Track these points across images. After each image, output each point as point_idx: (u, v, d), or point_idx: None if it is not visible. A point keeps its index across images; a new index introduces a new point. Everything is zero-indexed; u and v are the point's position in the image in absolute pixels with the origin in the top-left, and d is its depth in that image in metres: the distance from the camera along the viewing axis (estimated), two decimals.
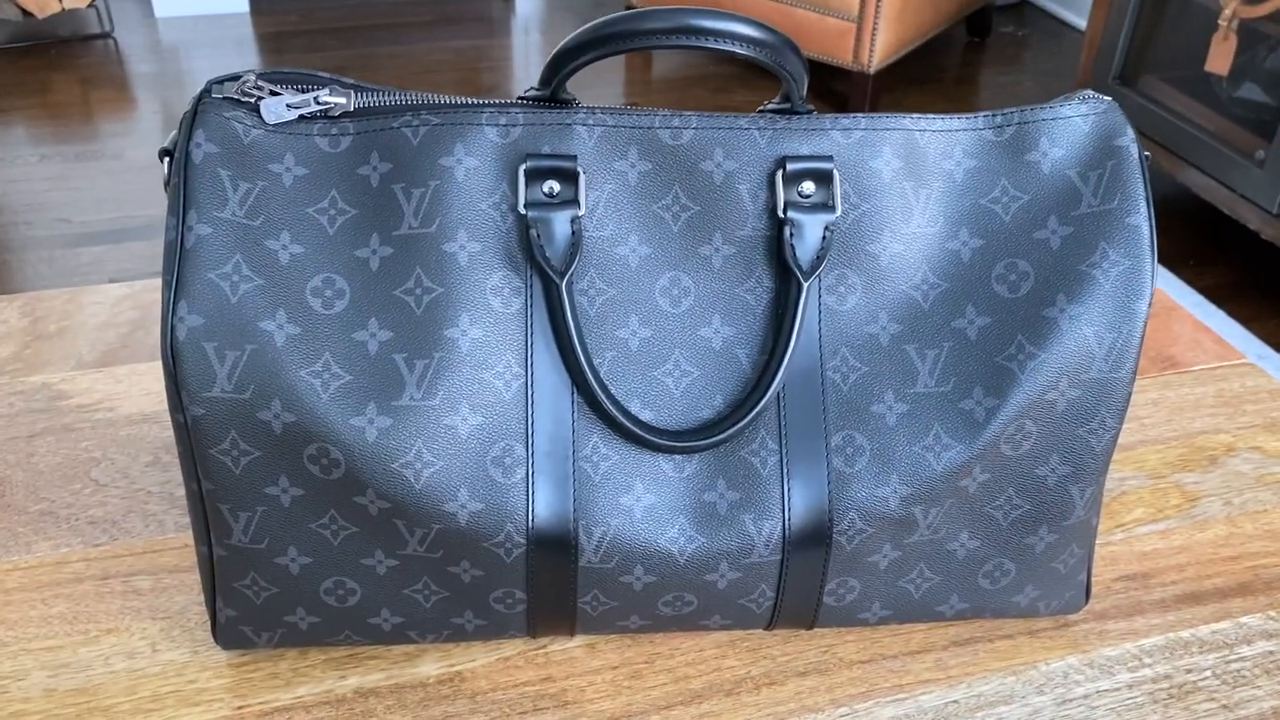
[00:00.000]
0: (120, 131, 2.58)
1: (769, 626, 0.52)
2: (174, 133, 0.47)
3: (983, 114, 0.50)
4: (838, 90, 2.83)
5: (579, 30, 0.44)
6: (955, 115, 0.49)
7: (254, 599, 0.49)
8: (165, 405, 0.69)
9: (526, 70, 2.95)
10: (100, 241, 2.18)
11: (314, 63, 2.93)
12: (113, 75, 2.85)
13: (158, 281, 0.80)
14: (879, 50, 2.54)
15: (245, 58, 2.98)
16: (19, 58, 2.90)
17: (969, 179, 0.49)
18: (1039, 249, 0.48)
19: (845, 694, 0.52)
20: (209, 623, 0.53)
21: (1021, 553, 0.51)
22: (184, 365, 0.44)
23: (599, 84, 2.85)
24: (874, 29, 2.51)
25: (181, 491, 0.63)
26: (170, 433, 0.67)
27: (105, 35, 3.07)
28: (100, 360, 0.72)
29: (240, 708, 0.50)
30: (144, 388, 0.70)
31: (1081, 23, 3.27)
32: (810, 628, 0.52)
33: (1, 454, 0.65)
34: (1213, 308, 2.07)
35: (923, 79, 2.94)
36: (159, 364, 0.72)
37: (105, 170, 2.42)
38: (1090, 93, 0.50)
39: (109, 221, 2.24)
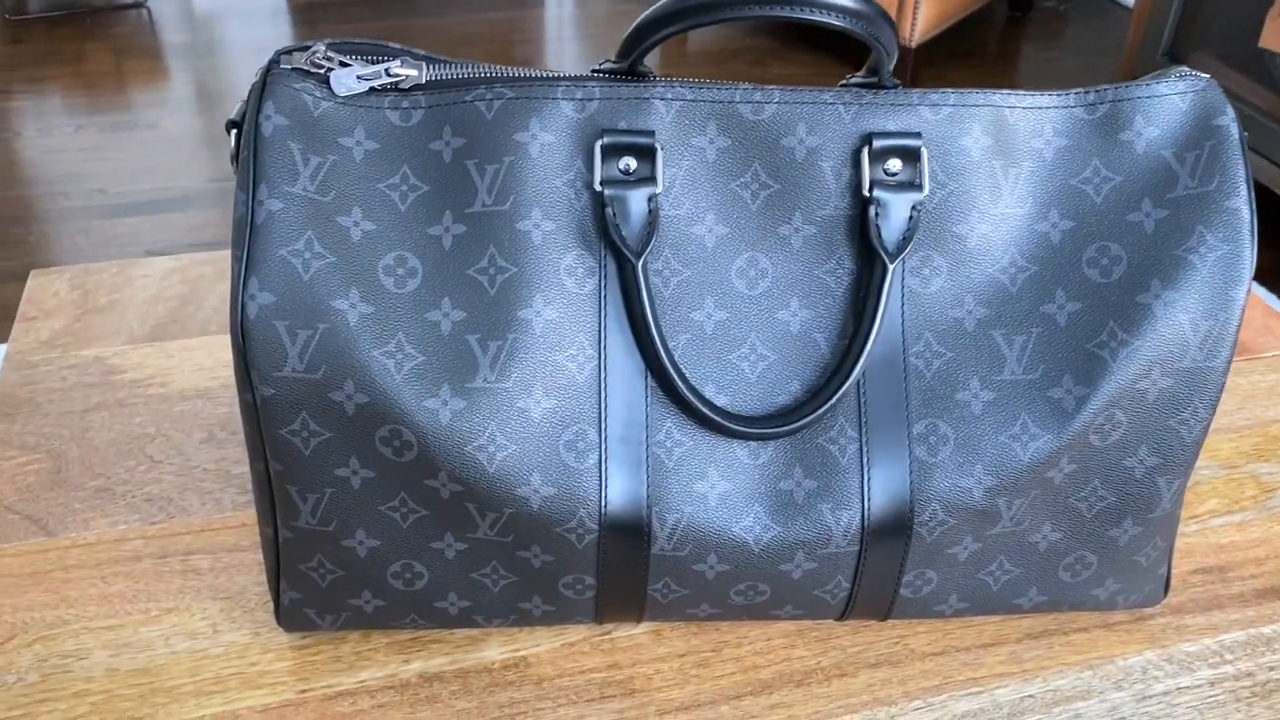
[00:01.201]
0: (154, 101, 2.58)
1: (842, 617, 0.51)
2: (241, 104, 0.46)
3: (1074, 91, 0.48)
4: None
5: (660, 3, 0.42)
6: (1046, 92, 0.48)
7: (319, 581, 0.48)
8: (218, 381, 0.68)
9: (560, 43, 2.93)
10: (136, 213, 2.18)
11: (346, 33, 2.91)
12: (146, 45, 2.85)
13: (204, 255, 0.80)
14: (920, 24, 2.49)
15: (278, 28, 2.97)
16: (54, 26, 2.90)
17: (1059, 158, 0.47)
18: (1132, 232, 0.46)
19: (918, 686, 0.51)
20: (271, 604, 0.52)
21: (1104, 545, 0.50)
22: (254, 344, 0.43)
23: None
24: (916, 3, 2.46)
25: (237, 469, 0.62)
26: (224, 409, 0.66)
27: (138, 4, 3.07)
28: (150, 334, 0.72)
29: (304, 691, 0.50)
30: (195, 363, 0.69)
31: None
32: (884, 619, 0.51)
33: (56, 429, 0.64)
34: (1263, 290, 2.03)
35: (964, 53, 2.89)
36: (210, 339, 0.71)
37: (140, 141, 2.42)
38: (1186, 69, 0.48)
39: (145, 192, 2.25)
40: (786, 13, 0.40)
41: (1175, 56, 2.23)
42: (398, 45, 0.46)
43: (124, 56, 2.77)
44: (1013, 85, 2.68)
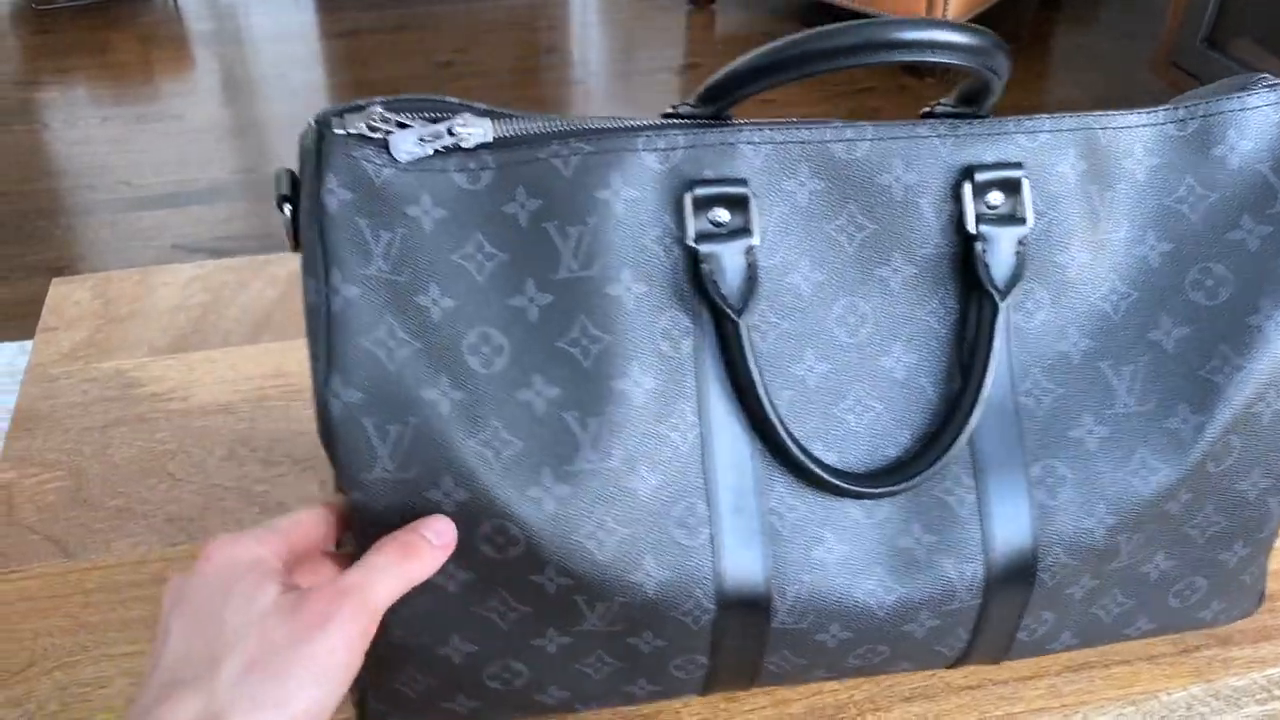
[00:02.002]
0: (180, 91, 2.51)
1: (954, 666, 0.48)
2: (285, 174, 0.41)
3: (1163, 108, 0.46)
4: None
5: (755, 52, 0.39)
6: (1134, 110, 0.46)
7: (409, 694, 0.44)
8: (239, 395, 0.66)
9: (585, 29, 2.85)
10: (162, 205, 2.12)
11: (370, 20, 2.82)
12: (172, 33, 2.76)
13: (228, 261, 0.77)
14: (952, 10, 2.40)
15: (302, 15, 2.88)
16: (79, 16, 2.80)
17: (1151, 178, 0.46)
18: (1235, 251, 0.45)
19: None
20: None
21: (1214, 569, 0.48)
22: (340, 446, 0.39)
23: (656, 43, 2.71)
24: None
25: (258, 488, 0.60)
26: (245, 425, 0.64)
27: None
28: (172, 345, 0.69)
29: None
30: (217, 376, 0.67)
31: None
32: (998, 663, 0.49)
33: (77, 445, 0.62)
34: None
35: None
36: (231, 351, 0.69)
37: (165, 132, 2.35)
38: (1272, 77, 0.46)
39: (170, 185, 2.18)
40: (892, 58, 0.38)
41: (1215, 42, 2.11)
42: (455, 100, 0.42)
43: (150, 46, 2.69)
44: (1046, 72, 2.63)
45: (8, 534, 0.57)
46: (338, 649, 0.34)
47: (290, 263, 0.76)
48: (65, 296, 0.74)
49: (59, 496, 0.59)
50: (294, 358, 0.68)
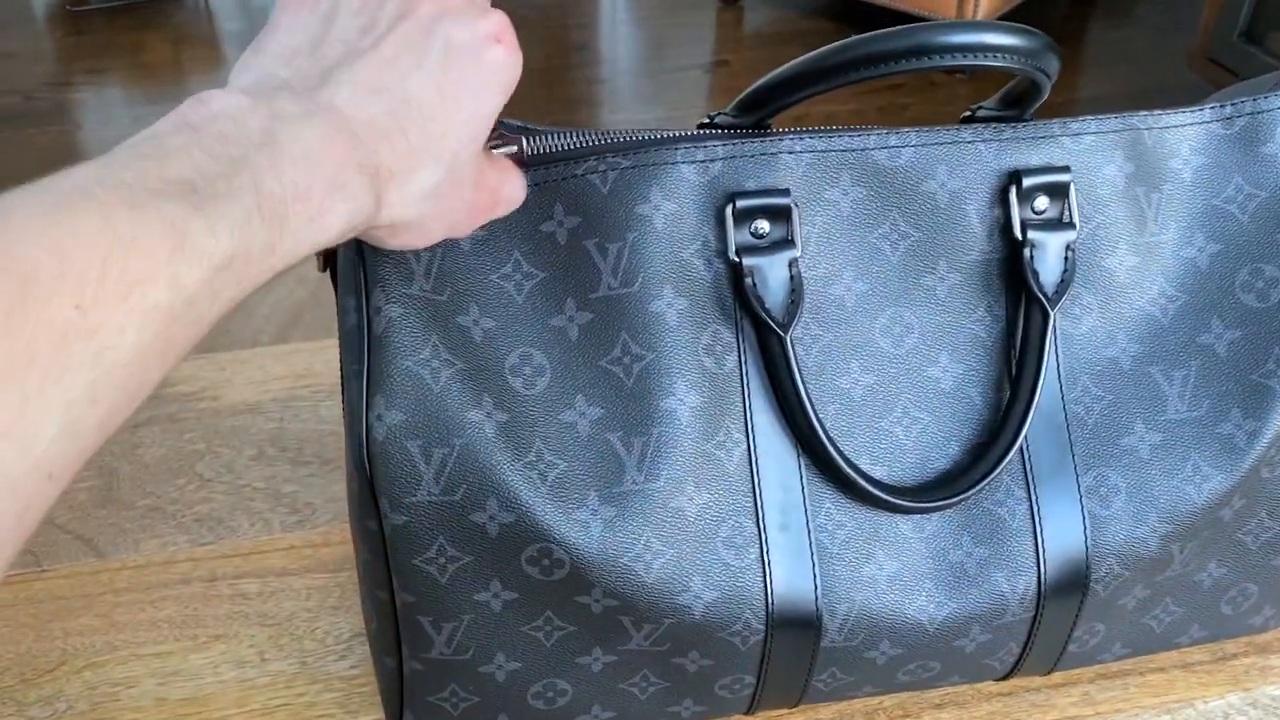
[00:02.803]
0: None
1: (1004, 679, 0.48)
2: None
3: (1208, 105, 0.45)
4: None
5: (799, 60, 0.38)
6: (1179, 109, 0.45)
7: (451, 711, 0.44)
8: (268, 395, 0.65)
9: (614, 27, 2.83)
10: None
11: None
12: (203, 34, 2.77)
13: None
14: (984, 5, 2.37)
15: None
16: (113, 17, 2.81)
17: (1198, 178, 0.45)
18: None
19: None
20: (319, 632, 0.52)
21: (1266, 574, 0.47)
22: (384, 469, 0.38)
23: (685, 41, 2.68)
24: None
25: (287, 489, 0.60)
26: (274, 425, 0.64)
27: None
28: (202, 345, 0.68)
29: None
30: (246, 376, 0.67)
31: None
32: (1048, 675, 0.48)
33: (108, 444, 0.61)
34: None
35: None
36: (260, 351, 0.69)
37: None
38: None
39: None
40: (953, 61, 0.37)
41: (1252, 37, 2.06)
42: None
43: (181, 46, 2.70)
44: (1078, 67, 2.57)
45: (38, 533, 0.57)
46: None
47: None
48: None
49: (89, 496, 0.59)
50: (323, 358, 0.68)
